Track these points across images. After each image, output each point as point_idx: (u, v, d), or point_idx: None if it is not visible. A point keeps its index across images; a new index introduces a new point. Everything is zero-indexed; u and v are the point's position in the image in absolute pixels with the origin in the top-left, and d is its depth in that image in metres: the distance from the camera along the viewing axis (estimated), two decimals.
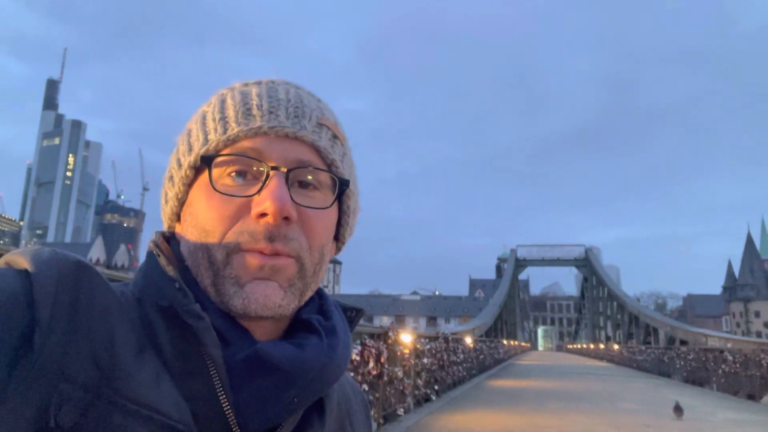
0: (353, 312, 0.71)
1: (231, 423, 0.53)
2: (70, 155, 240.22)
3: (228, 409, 0.53)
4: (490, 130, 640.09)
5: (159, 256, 0.59)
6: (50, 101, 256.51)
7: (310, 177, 0.61)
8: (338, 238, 0.69)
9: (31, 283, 0.48)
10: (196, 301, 0.55)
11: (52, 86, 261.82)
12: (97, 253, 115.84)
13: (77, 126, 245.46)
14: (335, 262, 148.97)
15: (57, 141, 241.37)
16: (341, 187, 0.63)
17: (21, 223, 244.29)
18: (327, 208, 0.62)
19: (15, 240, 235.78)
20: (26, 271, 0.49)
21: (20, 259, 0.51)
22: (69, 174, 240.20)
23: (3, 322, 0.45)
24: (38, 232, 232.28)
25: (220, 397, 0.53)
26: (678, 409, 11.00)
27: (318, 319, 0.63)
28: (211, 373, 0.53)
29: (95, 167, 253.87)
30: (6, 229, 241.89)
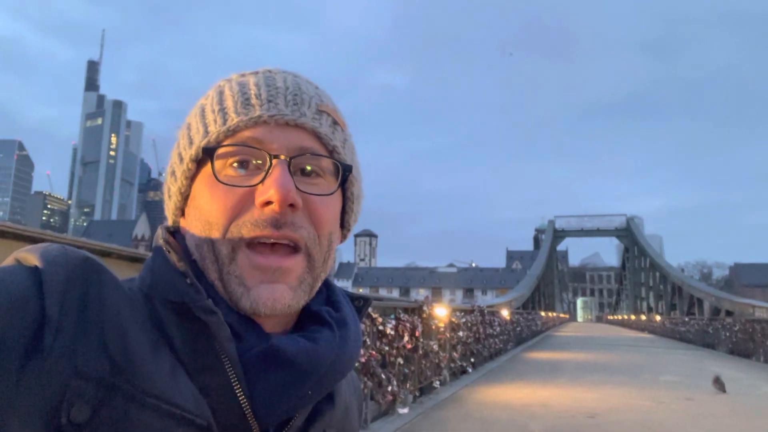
0: (361, 301, 0.71)
1: (248, 416, 0.54)
2: (113, 135, 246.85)
3: (245, 403, 0.54)
4: (528, 101, 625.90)
5: (169, 252, 0.58)
6: (92, 82, 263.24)
7: (310, 166, 0.61)
8: (343, 225, 0.67)
9: (40, 280, 0.48)
10: (207, 295, 0.55)
11: (93, 68, 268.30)
12: (142, 229, 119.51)
13: (118, 106, 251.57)
14: (371, 235, 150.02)
15: (99, 121, 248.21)
16: (344, 173, 0.63)
17: (69, 201, 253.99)
18: (331, 194, 0.61)
19: (64, 218, 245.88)
20: (36, 267, 0.50)
21: (30, 256, 0.51)
22: (112, 153, 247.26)
23: (13, 320, 0.45)
24: (86, 210, 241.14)
25: (237, 391, 0.53)
26: (718, 382, 10.75)
27: (328, 310, 0.63)
28: (226, 367, 0.54)
29: (137, 146, 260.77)
30: (56, 207, 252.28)
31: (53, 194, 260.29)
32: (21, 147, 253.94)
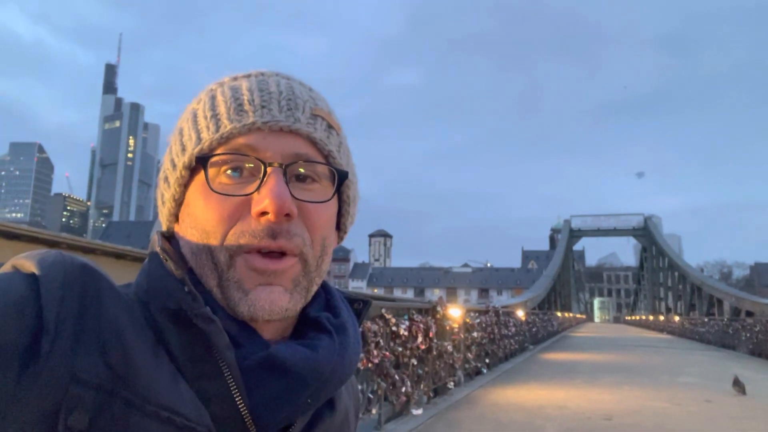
0: (360, 304, 0.70)
1: (248, 424, 0.53)
2: (130, 137, 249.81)
3: (244, 411, 0.53)
4: (544, 99, 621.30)
5: (167, 260, 0.57)
6: (109, 86, 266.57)
7: (305, 170, 0.60)
8: (339, 227, 0.67)
9: (37, 287, 0.48)
10: (205, 303, 0.54)
11: (111, 71, 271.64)
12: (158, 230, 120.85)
13: (136, 109, 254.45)
14: (386, 235, 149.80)
15: (117, 124, 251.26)
16: (340, 179, 0.62)
17: (88, 203, 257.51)
18: (327, 201, 0.61)
19: (84, 219, 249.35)
20: (33, 274, 0.49)
21: (27, 262, 0.51)
22: (130, 156, 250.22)
23: (10, 327, 0.45)
24: (104, 211, 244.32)
25: (236, 399, 0.53)
26: (738, 383, 10.56)
27: (327, 316, 0.63)
28: (225, 374, 0.53)
29: (154, 148, 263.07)
30: (75, 209, 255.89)
31: (73, 196, 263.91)
32: (41, 149, 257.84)
